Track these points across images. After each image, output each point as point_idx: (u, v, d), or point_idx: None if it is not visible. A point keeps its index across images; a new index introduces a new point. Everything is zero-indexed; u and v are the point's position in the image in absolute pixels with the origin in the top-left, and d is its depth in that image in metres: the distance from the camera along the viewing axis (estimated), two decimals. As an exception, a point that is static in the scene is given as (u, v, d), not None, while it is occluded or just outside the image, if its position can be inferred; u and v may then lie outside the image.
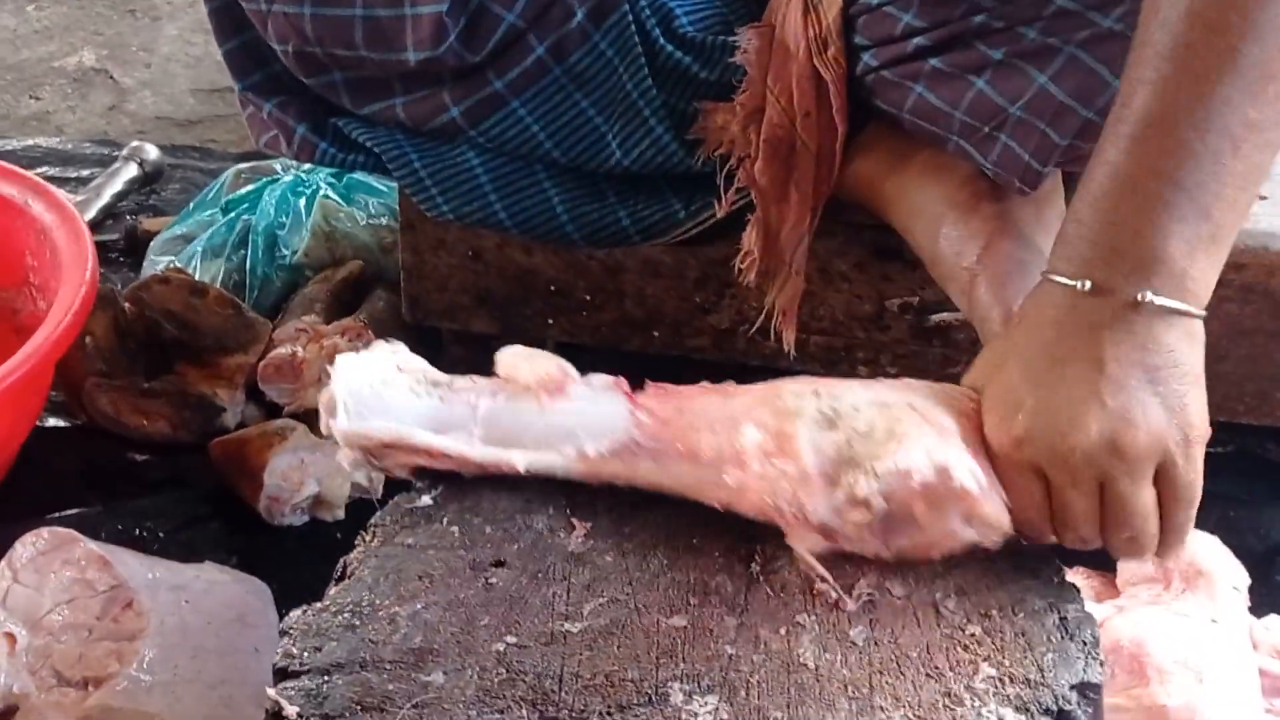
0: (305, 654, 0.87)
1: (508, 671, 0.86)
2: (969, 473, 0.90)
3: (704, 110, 1.28)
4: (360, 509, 1.45)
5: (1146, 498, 0.90)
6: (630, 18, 1.26)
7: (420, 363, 1.05)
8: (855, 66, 1.23)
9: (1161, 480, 0.90)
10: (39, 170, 2.08)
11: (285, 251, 1.73)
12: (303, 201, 1.76)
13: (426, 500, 1.01)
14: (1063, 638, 0.89)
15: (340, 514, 1.50)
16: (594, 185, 1.34)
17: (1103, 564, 1.23)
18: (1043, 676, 0.86)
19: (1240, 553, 1.24)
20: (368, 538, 0.98)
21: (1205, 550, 1.21)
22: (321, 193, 1.76)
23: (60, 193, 1.63)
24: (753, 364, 1.50)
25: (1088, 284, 0.90)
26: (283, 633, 0.89)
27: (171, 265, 1.74)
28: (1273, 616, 1.23)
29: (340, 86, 1.32)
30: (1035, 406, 0.90)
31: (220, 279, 1.73)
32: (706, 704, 0.84)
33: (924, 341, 1.45)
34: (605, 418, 0.98)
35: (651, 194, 1.34)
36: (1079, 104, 1.11)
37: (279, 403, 1.58)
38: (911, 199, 1.24)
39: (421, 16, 1.22)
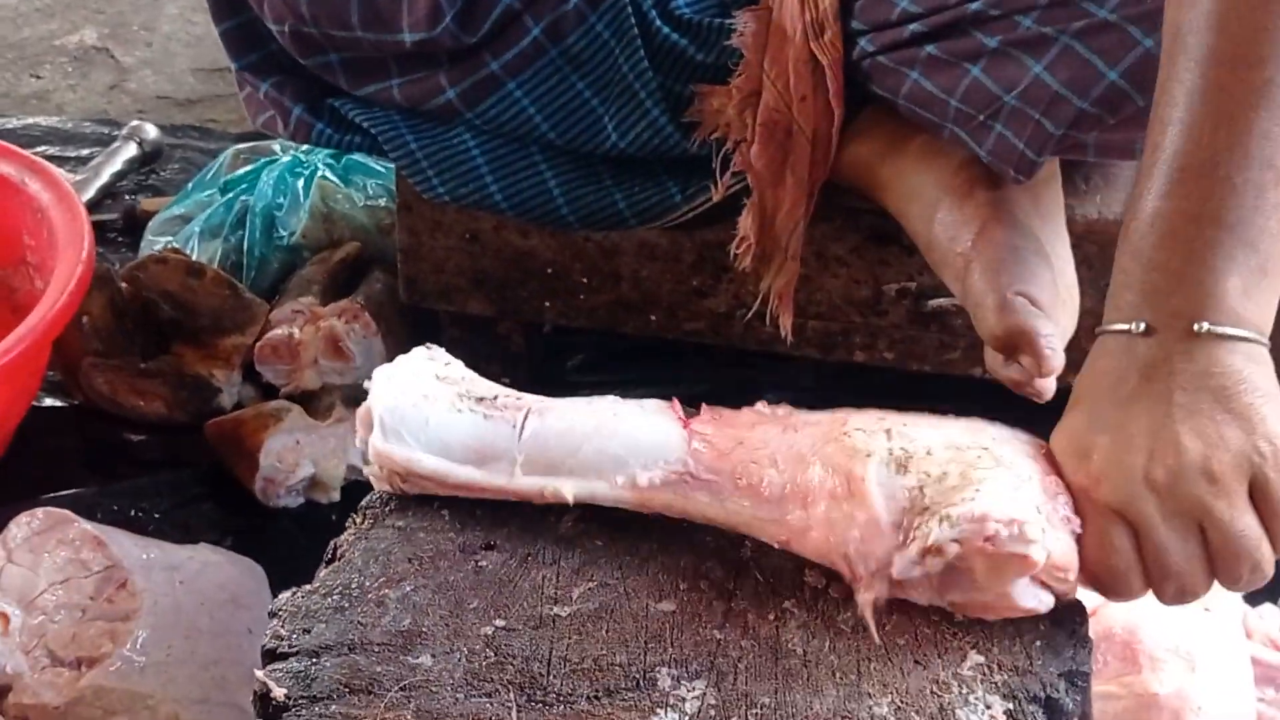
0: (294, 636, 0.88)
1: (496, 655, 0.86)
2: (1039, 529, 0.84)
3: (700, 93, 1.27)
4: (355, 491, 1.45)
5: (1250, 520, 0.84)
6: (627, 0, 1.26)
7: (460, 370, 1.03)
8: (852, 51, 1.22)
9: (1258, 499, 0.84)
10: (39, 149, 2.07)
11: (283, 232, 1.73)
12: (301, 182, 1.75)
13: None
14: (1051, 625, 0.89)
15: (335, 496, 1.50)
16: (590, 168, 1.34)
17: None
18: (1030, 664, 0.86)
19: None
20: (358, 520, 0.98)
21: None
22: (320, 174, 1.76)
23: (58, 171, 1.63)
24: (750, 348, 1.50)
25: (1141, 325, 0.87)
26: (272, 614, 0.90)
27: (169, 245, 1.74)
28: (1267, 605, 1.23)
29: (336, 67, 1.32)
30: (1108, 445, 0.87)
31: (218, 259, 1.72)
32: (694, 689, 0.84)
33: (921, 326, 1.45)
34: (659, 446, 0.95)
35: (647, 177, 1.34)
36: (1073, 94, 1.10)
37: (275, 384, 1.58)
38: (907, 184, 1.24)
39: (416, -1, 1.22)
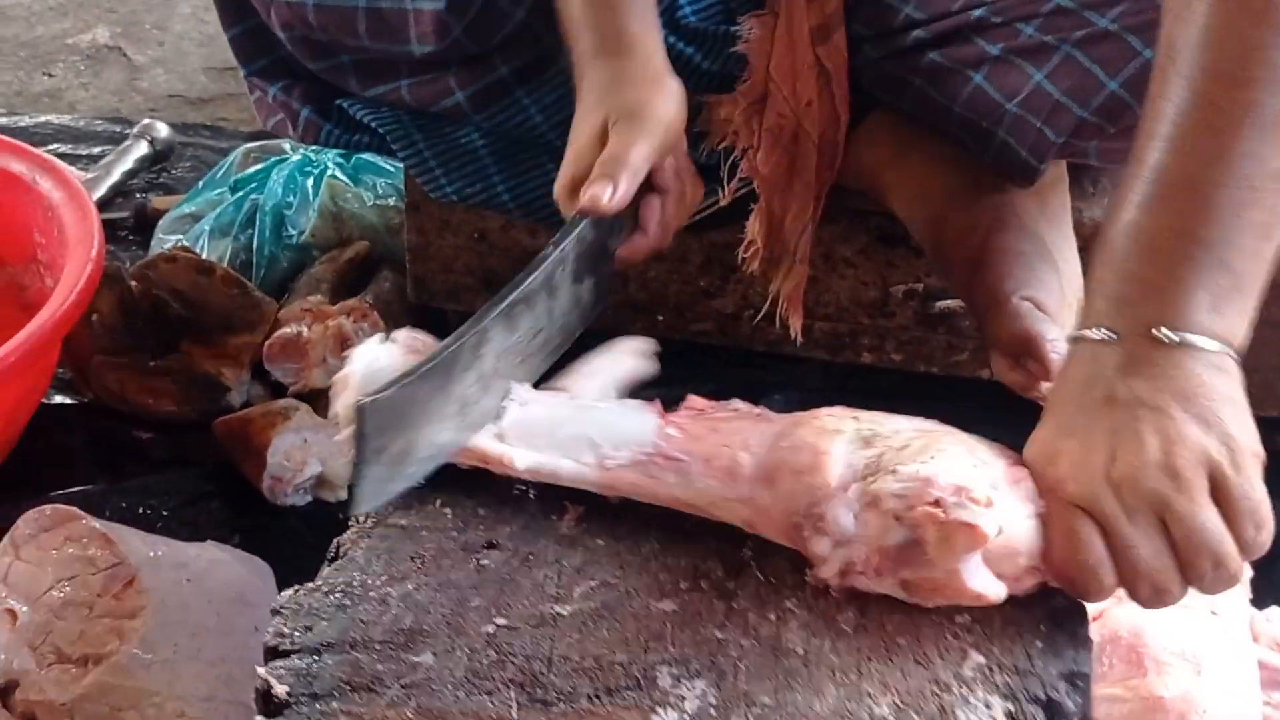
0: (296, 633, 0.88)
1: (497, 653, 0.86)
2: (987, 495, 0.84)
3: (708, 103, 1.28)
4: (362, 489, 1.45)
5: (1211, 514, 0.84)
6: (635, 10, 1.25)
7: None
8: (857, 56, 1.22)
9: (1219, 496, 0.85)
10: (51, 147, 2.09)
11: (292, 231, 1.74)
12: (310, 181, 1.76)
13: (420, 482, 1.01)
14: (1052, 627, 0.88)
15: (343, 494, 1.50)
16: (597, 171, 1.34)
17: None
18: (1031, 665, 0.86)
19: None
20: (361, 518, 0.98)
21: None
22: (329, 173, 1.77)
23: (68, 169, 1.63)
24: (758, 349, 1.50)
25: (1109, 333, 0.88)
26: (274, 612, 0.90)
27: (179, 244, 1.74)
28: (1274, 608, 1.23)
29: (346, 69, 1.32)
30: (1073, 448, 0.87)
31: (227, 258, 1.73)
32: (694, 688, 0.84)
33: (929, 328, 1.45)
34: (632, 429, 0.96)
35: (655, 180, 1.34)
36: (1074, 103, 1.10)
37: (284, 382, 1.59)
38: (914, 187, 1.24)
39: (423, 11, 1.22)
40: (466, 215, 1.46)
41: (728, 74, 1.27)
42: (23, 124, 2.22)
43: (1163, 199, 0.87)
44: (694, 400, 0.99)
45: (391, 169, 1.78)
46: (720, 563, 0.94)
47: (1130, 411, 0.86)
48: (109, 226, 1.82)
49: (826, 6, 1.20)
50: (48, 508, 1.27)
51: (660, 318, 1.49)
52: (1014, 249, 1.14)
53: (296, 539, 1.46)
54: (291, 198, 1.75)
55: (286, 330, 1.57)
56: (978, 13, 1.14)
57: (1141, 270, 0.88)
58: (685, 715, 0.82)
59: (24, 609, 1.20)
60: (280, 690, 0.84)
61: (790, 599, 0.90)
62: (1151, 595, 0.86)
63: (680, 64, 1.28)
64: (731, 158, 1.29)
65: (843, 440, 0.90)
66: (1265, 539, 0.85)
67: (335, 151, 1.78)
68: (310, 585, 0.92)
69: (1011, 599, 0.89)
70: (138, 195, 2.03)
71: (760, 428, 0.95)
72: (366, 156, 1.77)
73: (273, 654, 0.87)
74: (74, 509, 1.27)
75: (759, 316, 1.38)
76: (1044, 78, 1.12)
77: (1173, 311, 0.86)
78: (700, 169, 1.30)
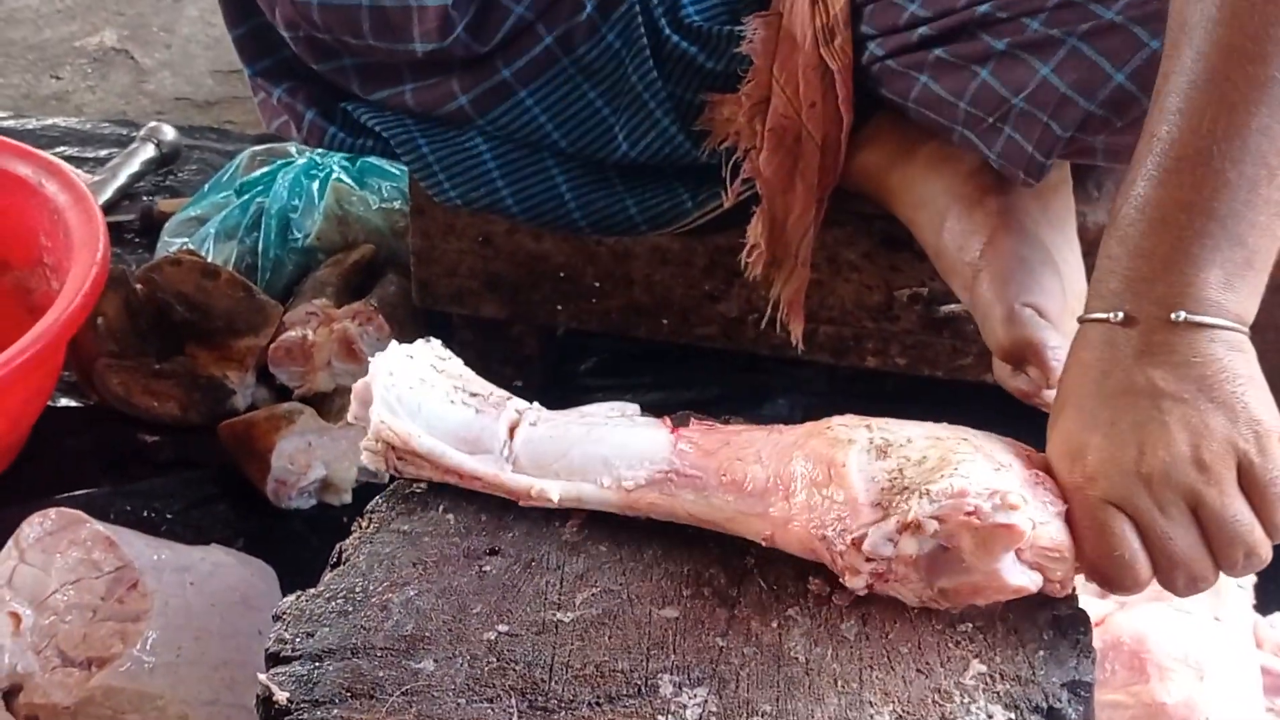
0: (297, 640, 0.88)
1: (498, 660, 0.87)
2: (1020, 497, 0.85)
3: (710, 103, 1.27)
4: (367, 493, 1.44)
5: (1241, 504, 0.86)
6: (637, 8, 1.25)
7: (458, 366, 1.04)
8: (861, 56, 1.22)
9: (1247, 484, 0.86)
10: (58, 150, 2.09)
11: (297, 234, 1.73)
12: (316, 184, 1.76)
13: (423, 486, 1.01)
14: (1054, 635, 0.89)
15: (347, 498, 1.51)
16: (602, 174, 1.34)
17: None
18: (1033, 674, 0.86)
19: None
20: (364, 524, 0.99)
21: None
22: (335, 176, 1.77)
23: (74, 172, 1.64)
24: (762, 353, 1.50)
25: (1120, 315, 0.88)
26: (276, 618, 0.90)
27: (184, 247, 1.74)
28: (1278, 614, 1.23)
29: (349, 71, 1.32)
30: (1100, 443, 0.87)
31: (233, 261, 1.73)
32: (696, 696, 0.84)
33: (933, 332, 1.44)
34: (646, 448, 0.96)
35: (659, 184, 1.34)
36: (1081, 96, 1.10)
37: (289, 386, 1.59)
38: (916, 191, 1.24)
39: (427, 8, 1.22)
40: (471, 219, 1.46)
41: (731, 73, 1.27)
42: (30, 127, 2.22)
43: (1176, 173, 0.88)
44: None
45: (396, 172, 1.78)
46: (722, 570, 0.94)
47: (1154, 403, 0.86)
48: (115, 229, 1.83)
49: (833, 7, 1.20)
50: (52, 511, 1.27)
51: (665, 321, 1.49)
52: (1016, 254, 1.13)
53: (300, 542, 1.46)
54: (297, 201, 1.75)
55: (291, 334, 1.57)
56: (983, 9, 1.13)
57: (1153, 244, 0.88)
58: (686, 723, 0.83)
59: (28, 612, 1.20)
60: (281, 697, 0.84)
61: (792, 607, 0.91)
62: (1188, 584, 0.87)
63: (683, 64, 1.28)
64: (733, 159, 1.29)
65: (857, 450, 0.90)
66: None
67: (340, 155, 1.78)
68: (312, 591, 0.92)
69: (1015, 604, 0.89)
70: (144, 198, 2.03)
71: (772, 439, 0.95)
72: (372, 160, 1.77)
73: (274, 660, 0.87)
74: (78, 512, 1.27)
75: (763, 321, 1.38)
76: (1050, 71, 1.11)
77: (1186, 290, 0.87)
78: (703, 168, 1.31)
